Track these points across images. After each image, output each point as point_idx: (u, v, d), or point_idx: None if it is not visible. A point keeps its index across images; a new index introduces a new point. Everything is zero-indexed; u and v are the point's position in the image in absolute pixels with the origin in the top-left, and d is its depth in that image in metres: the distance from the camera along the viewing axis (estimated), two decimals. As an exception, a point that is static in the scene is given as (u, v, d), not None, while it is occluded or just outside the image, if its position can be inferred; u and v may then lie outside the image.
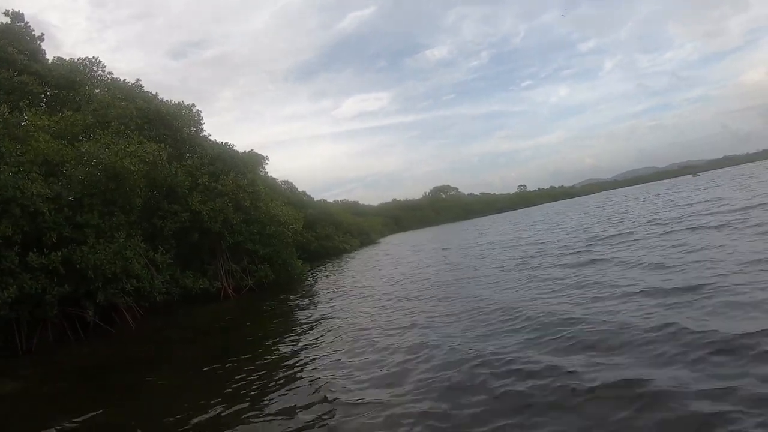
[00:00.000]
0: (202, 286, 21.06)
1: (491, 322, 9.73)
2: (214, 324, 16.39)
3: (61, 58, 24.99)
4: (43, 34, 24.38)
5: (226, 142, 26.85)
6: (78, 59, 25.67)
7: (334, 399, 7.00)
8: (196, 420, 7.02)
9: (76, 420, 7.81)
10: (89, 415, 8.02)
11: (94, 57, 26.54)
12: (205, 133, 26.53)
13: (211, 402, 7.67)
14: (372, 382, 7.58)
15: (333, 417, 6.43)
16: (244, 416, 6.94)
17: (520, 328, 8.83)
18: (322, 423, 6.35)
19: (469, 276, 17.11)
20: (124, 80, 26.43)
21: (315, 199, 64.61)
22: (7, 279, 13.18)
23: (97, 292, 15.51)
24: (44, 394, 9.94)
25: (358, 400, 6.86)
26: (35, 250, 14.20)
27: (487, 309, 10.84)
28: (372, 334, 10.85)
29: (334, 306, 16.00)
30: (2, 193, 13.85)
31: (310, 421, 6.44)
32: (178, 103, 25.58)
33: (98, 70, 26.51)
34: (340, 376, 8.11)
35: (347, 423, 6.20)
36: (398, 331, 10.56)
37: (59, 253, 14.54)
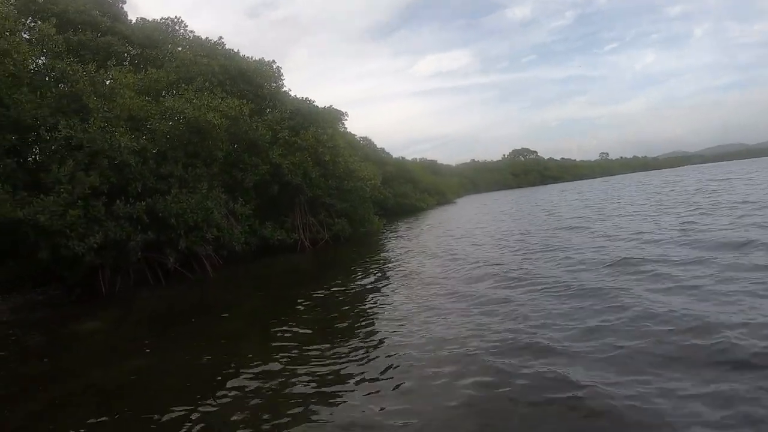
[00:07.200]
0: (279, 237, 21.38)
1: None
2: (288, 275, 16.49)
3: (144, 19, 25.68)
4: (125, -3, 25.06)
5: (306, 98, 26.67)
6: (161, 19, 26.32)
7: (407, 364, 6.41)
8: (257, 367, 6.88)
9: (146, 359, 7.96)
10: (159, 354, 8.21)
11: (176, 17, 27.10)
12: (285, 89, 26.59)
13: (272, 352, 7.50)
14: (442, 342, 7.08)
15: (405, 379, 5.95)
16: (302, 368, 6.59)
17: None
18: (390, 380, 5.93)
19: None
20: (206, 38, 26.83)
21: (393, 157, 63.93)
22: (93, 226, 13.79)
23: (179, 240, 16.00)
24: (121, 335, 10.28)
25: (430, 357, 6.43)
26: (122, 198, 14.80)
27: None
28: (448, 288, 10.49)
29: (410, 264, 15.32)
30: (91, 146, 14.45)
31: (377, 377, 6.03)
32: (259, 59, 25.64)
33: (180, 29, 27.06)
34: (410, 336, 7.55)
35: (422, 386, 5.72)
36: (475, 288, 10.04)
37: (144, 203, 15.06)
